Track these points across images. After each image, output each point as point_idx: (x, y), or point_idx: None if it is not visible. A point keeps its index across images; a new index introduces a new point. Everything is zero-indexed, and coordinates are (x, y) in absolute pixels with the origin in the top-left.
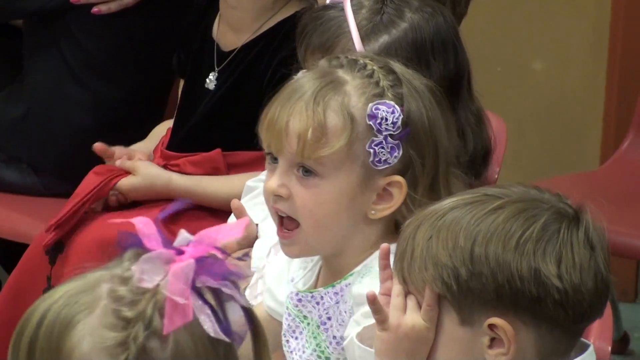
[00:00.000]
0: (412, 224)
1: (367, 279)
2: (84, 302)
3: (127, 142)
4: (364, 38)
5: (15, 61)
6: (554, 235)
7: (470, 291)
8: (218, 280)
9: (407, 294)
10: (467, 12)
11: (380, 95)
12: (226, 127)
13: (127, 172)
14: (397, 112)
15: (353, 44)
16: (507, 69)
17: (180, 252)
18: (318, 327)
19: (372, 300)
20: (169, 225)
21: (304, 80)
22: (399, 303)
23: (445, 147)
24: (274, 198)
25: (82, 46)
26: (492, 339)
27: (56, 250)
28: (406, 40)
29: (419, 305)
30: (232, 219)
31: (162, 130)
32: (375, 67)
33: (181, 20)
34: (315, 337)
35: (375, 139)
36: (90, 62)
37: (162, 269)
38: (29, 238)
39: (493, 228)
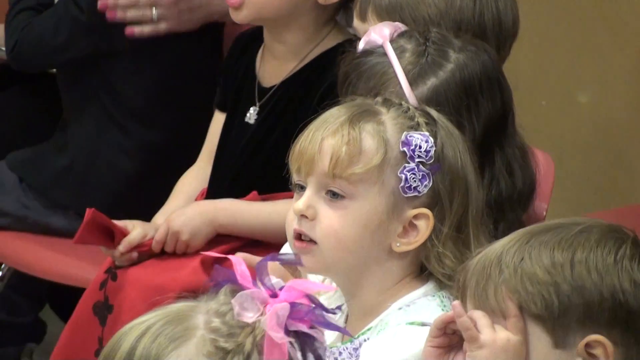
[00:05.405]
0: (473, 260)
1: (381, 335)
2: (178, 332)
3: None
4: (412, 82)
5: (54, 109)
6: None
7: (571, 307)
8: (308, 327)
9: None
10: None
11: (415, 128)
12: (267, 162)
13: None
14: (431, 142)
15: (401, 88)
16: (552, 103)
17: (274, 295)
18: None
19: (459, 315)
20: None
21: (338, 109)
22: (488, 321)
23: (475, 192)
24: (298, 220)
25: (120, 92)
26: None
27: (105, 310)
28: (454, 81)
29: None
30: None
31: (186, 184)
32: (410, 107)
33: (214, 57)
34: None
35: (407, 165)
36: (130, 108)
37: (257, 307)
38: (78, 281)
39: (589, 245)
